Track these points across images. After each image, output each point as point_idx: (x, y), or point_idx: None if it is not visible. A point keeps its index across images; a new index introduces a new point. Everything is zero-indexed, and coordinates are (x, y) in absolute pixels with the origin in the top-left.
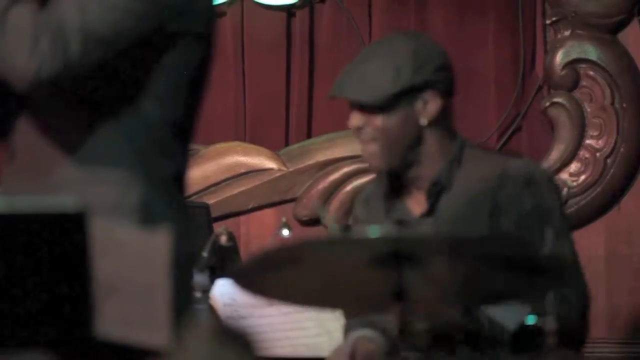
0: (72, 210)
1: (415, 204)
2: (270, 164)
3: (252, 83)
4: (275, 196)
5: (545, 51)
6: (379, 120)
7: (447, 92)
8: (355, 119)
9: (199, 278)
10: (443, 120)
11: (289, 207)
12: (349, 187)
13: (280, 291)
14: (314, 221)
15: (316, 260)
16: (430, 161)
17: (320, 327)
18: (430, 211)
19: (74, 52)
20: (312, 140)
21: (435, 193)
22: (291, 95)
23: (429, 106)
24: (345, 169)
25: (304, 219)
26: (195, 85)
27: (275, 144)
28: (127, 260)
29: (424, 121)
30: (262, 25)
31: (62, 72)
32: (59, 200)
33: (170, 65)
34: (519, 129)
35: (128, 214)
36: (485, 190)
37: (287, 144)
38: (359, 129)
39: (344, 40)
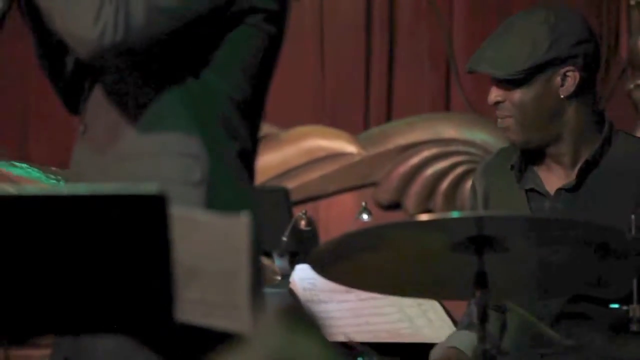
0: (153, 192)
1: (554, 177)
2: (350, 147)
3: (331, 66)
4: (355, 180)
5: (630, 33)
6: (516, 95)
7: (588, 66)
8: (494, 93)
9: (279, 262)
10: (584, 96)
11: (368, 191)
12: (429, 171)
13: (359, 277)
14: (395, 205)
15: (396, 245)
16: (573, 137)
17: (400, 312)
18: (576, 187)
19: (137, 22)
20: (392, 123)
21: (587, 171)
22: (371, 78)
23: (567, 81)
24: (426, 153)
25: (384, 203)
26: (264, 64)
27: (354, 128)
28: (208, 244)
29: (562, 96)
30: (341, 7)
31: (125, 41)
32: (140, 184)
33: (239, 42)
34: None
35: (192, 188)
36: (636, 176)
37: (366, 127)
38: (497, 104)
39: (424, 21)
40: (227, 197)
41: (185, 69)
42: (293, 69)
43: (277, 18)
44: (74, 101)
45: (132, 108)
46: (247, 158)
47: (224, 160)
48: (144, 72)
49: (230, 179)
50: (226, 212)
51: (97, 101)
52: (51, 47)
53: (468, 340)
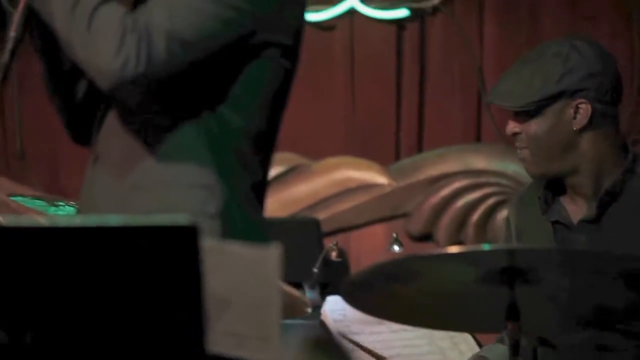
0: (185, 224)
1: (577, 209)
2: (380, 179)
3: (362, 97)
4: (386, 211)
5: None
6: (531, 127)
7: (602, 99)
8: (511, 125)
9: (310, 294)
10: (601, 128)
11: (399, 222)
12: (460, 203)
13: (390, 308)
14: (426, 237)
15: (426, 276)
16: (591, 169)
17: (432, 344)
18: (597, 219)
19: (158, 54)
20: (423, 154)
21: (607, 202)
22: (402, 109)
23: (579, 114)
24: (457, 184)
25: (416, 234)
26: (278, 97)
27: (385, 159)
28: (239, 275)
29: (575, 128)
30: (372, 39)
31: (146, 73)
32: (171, 215)
33: (255, 75)
34: (637, 142)
35: (208, 220)
36: None
37: (397, 158)
38: (515, 135)
39: (454, 52)
40: (241, 229)
41: (201, 101)
42: (324, 100)
43: (291, 52)
44: (83, 132)
45: (147, 138)
46: (259, 190)
47: (238, 192)
48: (160, 103)
49: (244, 211)
50: (242, 244)
51: (110, 130)
52: (61, 76)
53: (500, 352)
